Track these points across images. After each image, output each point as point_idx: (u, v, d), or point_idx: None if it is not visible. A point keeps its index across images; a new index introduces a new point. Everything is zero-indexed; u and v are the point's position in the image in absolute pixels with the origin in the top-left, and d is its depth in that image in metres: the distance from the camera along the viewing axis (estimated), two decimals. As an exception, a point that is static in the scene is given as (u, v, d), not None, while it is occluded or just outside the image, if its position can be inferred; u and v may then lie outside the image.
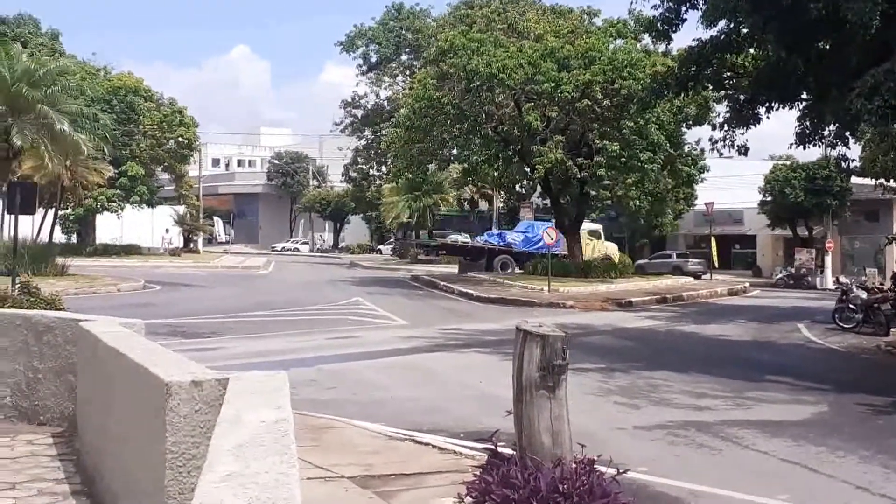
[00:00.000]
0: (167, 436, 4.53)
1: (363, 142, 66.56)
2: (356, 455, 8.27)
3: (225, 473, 2.91)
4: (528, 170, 37.73)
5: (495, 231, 46.94)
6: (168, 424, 4.54)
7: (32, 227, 38.83)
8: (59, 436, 8.05)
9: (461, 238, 48.42)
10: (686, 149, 39.14)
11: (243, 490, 2.74)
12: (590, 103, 33.41)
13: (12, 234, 22.24)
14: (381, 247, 73.92)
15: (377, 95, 66.61)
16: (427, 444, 8.90)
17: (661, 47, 29.59)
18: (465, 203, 58.68)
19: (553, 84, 32.46)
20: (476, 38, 34.71)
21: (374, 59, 66.53)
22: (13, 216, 20.60)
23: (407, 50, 66.00)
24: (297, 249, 76.13)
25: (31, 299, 17.11)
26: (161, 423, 4.58)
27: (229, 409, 4.08)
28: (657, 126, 33.86)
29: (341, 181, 73.00)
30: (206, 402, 4.65)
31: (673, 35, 19.95)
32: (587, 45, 34.07)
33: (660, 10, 19.23)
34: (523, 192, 49.85)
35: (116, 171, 48.65)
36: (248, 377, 4.83)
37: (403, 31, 65.89)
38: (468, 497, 6.35)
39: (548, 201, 41.59)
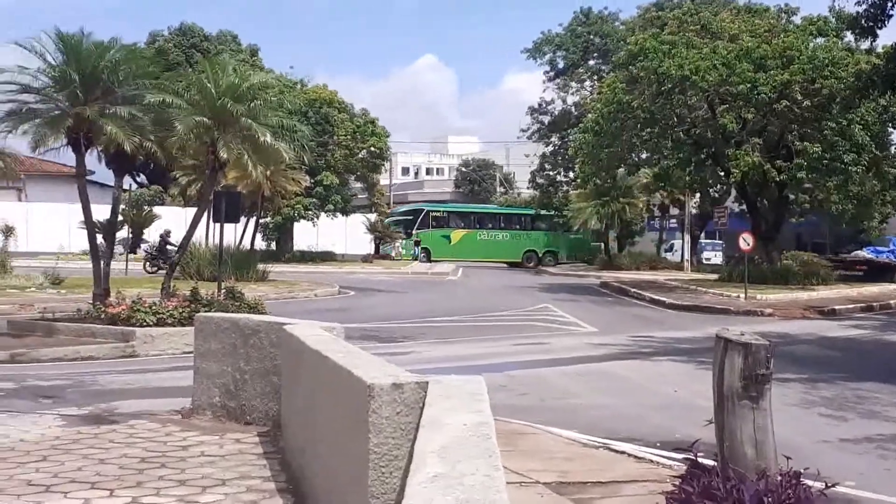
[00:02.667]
0: (370, 437, 4.61)
1: (550, 148, 66.41)
2: (551, 461, 8.20)
3: (432, 474, 2.94)
4: (722, 174, 36.68)
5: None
6: (371, 426, 4.62)
7: (235, 234, 40.75)
8: (265, 435, 8.36)
9: (867, 254, 46.83)
10: (893, 150, 37.05)
11: (451, 491, 2.76)
12: (788, 104, 32.11)
13: (218, 241, 23.36)
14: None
15: (564, 101, 66.36)
16: (623, 452, 8.74)
17: (865, 44, 28.12)
18: (655, 208, 57.57)
19: (749, 85, 31.41)
20: (667, 41, 34.03)
21: (561, 64, 66.32)
22: (218, 224, 21.63)
23: (595, 55, 65.42)
24: None
25: (236, 304, 17.95)
26: (364, 424, 4.67)
27: (431, 411, 4.12)
28: (861, 126, 32.19)
29: (528, 188, 73.03)
30: (407, 405, 4.70)
31: (878, 31, 18.96)
32: (785, 44, 32.80)
33: (864, 6, 18.36)
34: (717, 196, 48.48)
35: (312, 181, 50.40)
36: (447, 381, 4.86)
37: (591, 36, 65.36)
38: (668, 507, 6.19)
39: (743, 206, 40.29)
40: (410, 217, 63.48)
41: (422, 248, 61.01)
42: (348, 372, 5.18)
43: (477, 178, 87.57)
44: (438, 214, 63.93)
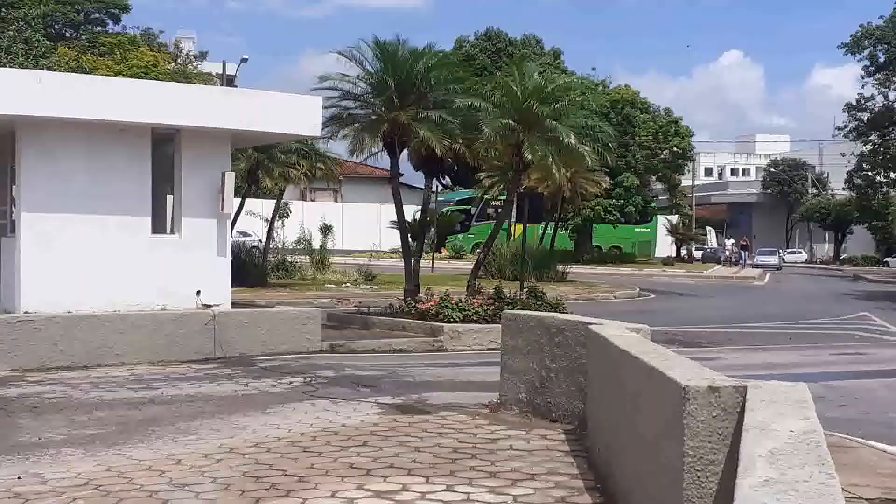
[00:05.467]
0: (685, 439, 4.50)
1: (869, 147, 62.22)
2: (873, 477, 7.65)
3: (763, 478, 2.83)
4: None
5: None
6: (686, 429, 4.51)
7: (535, 235, 41.34)
8: (570, 433, 8.39)
9: None
10: None
11: (786, 496, 2.66)
12: None
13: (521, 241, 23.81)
14: (888, 259, 68.67)
15: (885, 97, 61.89)
16: (957, 474, 7.99)
17: None
18: None
19: None
20: None
21: (882, 59, 61.92)
22: (522, 224, 22.06)
23: (922, 47, 60.56)
24: (781, 260, 72.35)
25: (538, 303, 18.16)
26: (678, 426, 4.56)
27: (754, 416, 3.95)
28: None
29: (843, 189, 68.90)
30: (724, 409, 4.55)
31: None
32: None
33: None
34: None
35: (613, 182, 50.20)
36: (768, 386, 4.65)
37: (918, 27, 60.57)
38: None
39: None
40: (467, 207, 56.86)
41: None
42: (661, 373, 5.09)
43: (786, 178, 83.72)
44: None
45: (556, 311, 16.74)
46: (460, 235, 55.93)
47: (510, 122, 19.17)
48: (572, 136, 19.13)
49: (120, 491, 6.45)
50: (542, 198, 29.79)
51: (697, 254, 66.51)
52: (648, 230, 62.12)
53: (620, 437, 6.25)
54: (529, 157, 19.45)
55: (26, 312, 12.91)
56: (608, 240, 58.65)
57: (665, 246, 63.67)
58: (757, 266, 61.52)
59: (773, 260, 66.11)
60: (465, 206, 57.42)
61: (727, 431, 4.49)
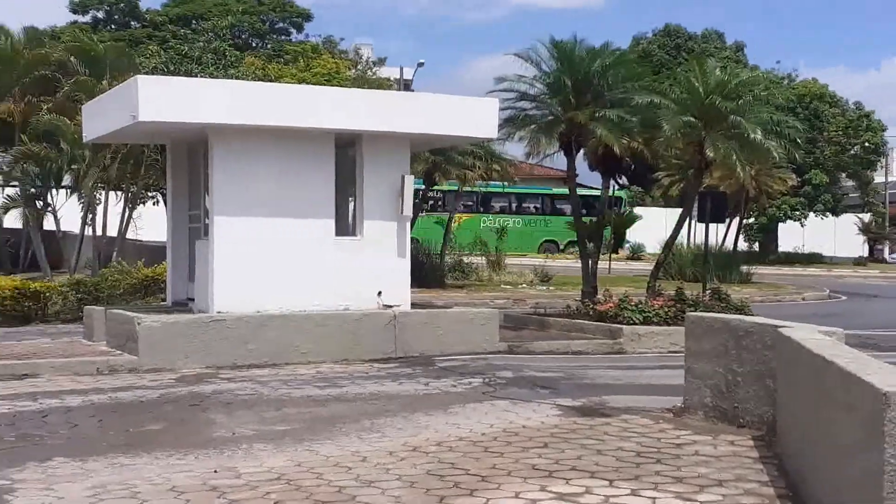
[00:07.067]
0: (885, 447, 4.29)
1: None
2: None
3: None
4: None
5: None
6: (887, 436, 4.29)
7: (716, 235, 40.24)
8: (759, 439, 8.09)
9: None
10: None
11: None
12: None
13: (702, 242, 23.23)
14: None
15: None
16: None
17: None
18: None
19: None
20: None
21: None
22: (702, 225, 21.52)
23: None
24: None
25: (722, 304, 17.64)
26: (878, 434, 4.34)
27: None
28: None
29: None
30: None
31: None
32: None
33: None
34: None
35: (799, 180, 48.30)
36: None
37: None
38: None
39: None
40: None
41: None
42: (858, 378, 4.86)
43: None
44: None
45: (741, 314, 16.23)
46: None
47: (691, 118, 18.72)
48: (758, 132, 18.50)
49: (310, 486, 6.64)
50: (724, 196, 28.94)
51: (892, 256, 63.23)
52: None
53: (814, 444, 5.99)
54: (712, 154, 18.94)
55: (219, 312, 13.50)
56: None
57: (852, 246, 60.74)
58: None
59: None
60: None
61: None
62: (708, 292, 18.85)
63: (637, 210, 53.50)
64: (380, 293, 14.53)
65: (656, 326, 15.94)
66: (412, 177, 15.24)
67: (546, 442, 7.99)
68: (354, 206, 14.98)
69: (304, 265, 14.10)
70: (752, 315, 16.30)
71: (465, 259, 33.10)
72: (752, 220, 50.60)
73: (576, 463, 7.22)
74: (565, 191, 31.84)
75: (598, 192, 51.73)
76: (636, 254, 51.59)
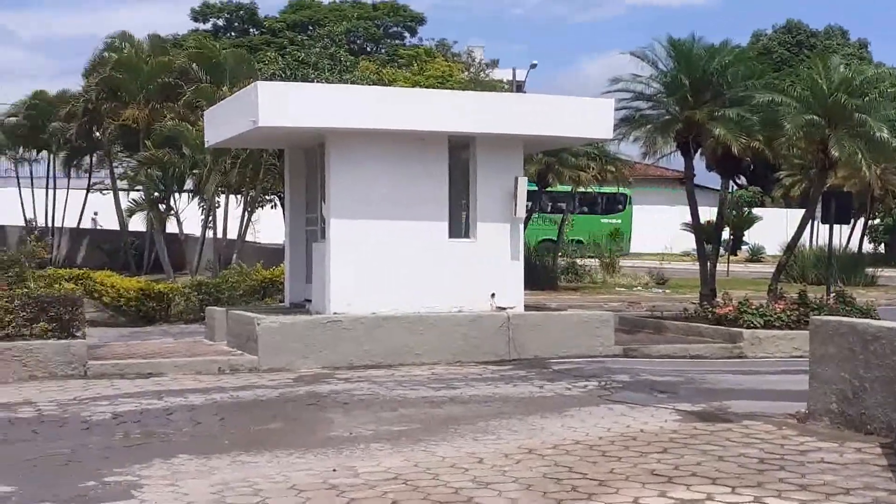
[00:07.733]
0: None
1: None
2: None
3: None
4: None
5: None
6: None
7: (840, 236, 38.95)
8: (887, 446, 7.80)
9: None
10: None
11: None
12: None
13: (824, 244, 22.54)
14: None
15: None
16: None
17: None
18: None
19: None
20: None
21: None
22: (826, 226, 20.86)
23: None
24: None
25: (847, 308, 17.06)
26: None
27: None
28: None
29: None
30: None
31: None
32: None
33: None
34: None
35: (930, 179, 46.38)
36: None
37: None
38: None
39: None
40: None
41: None
42: None
43: None
44: None
45: (867, 317, 15.68)
46: None
47: (815, 116, 18.15)
48: (884, 130, 17.83)
49: (427, 486, 6.67)
50: (850, 196, 27.98)
51: None
52: None
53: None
54: (837, 153, 18.30)
55: (335, 314, 13.70)
56: None
57: None
58: None
59: None
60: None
61: None
62: (832, 295, 18.25)
63: (757, 211, 52.23)
64: (493, 295, 14.52)
65: (778, 330, 15.52)
66: (525, 178, 15.18)
67: (665, 447, 7.85)
68: (468, 208, 15.01)
69: (418, 267, 14.18)
70: (878, 319, 15.75)
71: (579, 261, 32.83)
72: (877, 220, 48.75)
73: (696, 469, 7.08)
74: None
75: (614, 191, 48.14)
76: (755, 256, 50.35)
